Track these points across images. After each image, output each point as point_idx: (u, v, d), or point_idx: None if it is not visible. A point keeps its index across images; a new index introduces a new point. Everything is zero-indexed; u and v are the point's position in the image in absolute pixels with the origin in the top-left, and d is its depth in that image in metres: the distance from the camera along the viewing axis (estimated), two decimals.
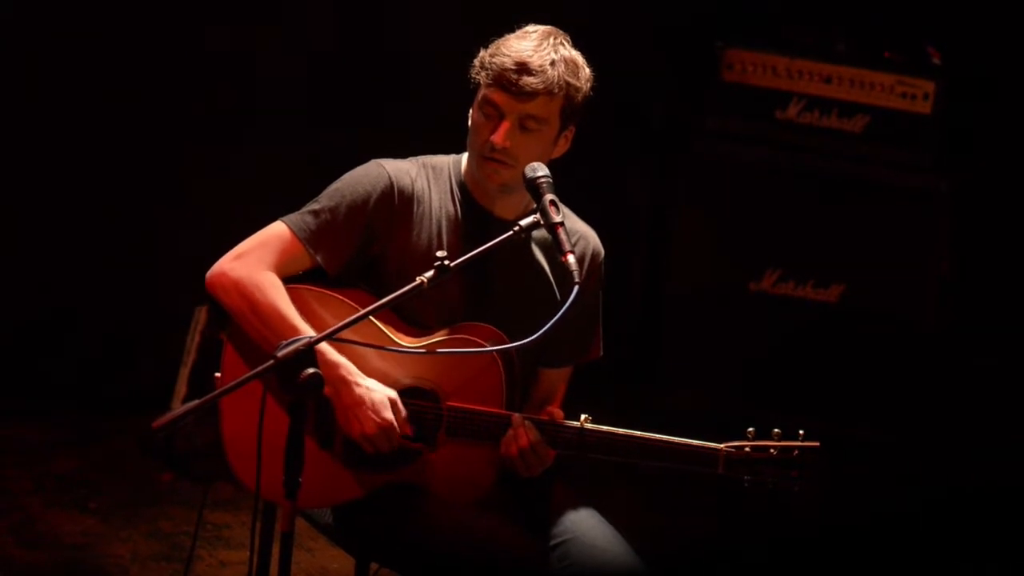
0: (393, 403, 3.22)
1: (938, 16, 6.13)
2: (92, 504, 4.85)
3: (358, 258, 3.32)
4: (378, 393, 3.20)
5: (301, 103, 5.84)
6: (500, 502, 3.33)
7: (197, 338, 3.30)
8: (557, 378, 3.46)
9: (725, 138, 6.01)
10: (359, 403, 3.19)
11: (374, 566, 3.47)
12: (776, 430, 3.27)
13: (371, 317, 3.08)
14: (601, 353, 3.52)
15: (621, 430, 3.26)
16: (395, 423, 3.20)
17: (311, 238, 3.28)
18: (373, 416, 3.19)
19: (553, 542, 3.29)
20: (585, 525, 3.32)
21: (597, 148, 5.42)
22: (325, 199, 3.31)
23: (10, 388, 5.46)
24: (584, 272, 3.36)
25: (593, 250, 3.45)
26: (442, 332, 3.29)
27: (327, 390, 3.16)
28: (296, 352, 2.81)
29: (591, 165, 5.05)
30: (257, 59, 5.74)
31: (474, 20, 3.57)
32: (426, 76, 5.74)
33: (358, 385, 3.19)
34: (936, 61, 6.02)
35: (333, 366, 3.18)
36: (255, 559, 3.09)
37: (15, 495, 4.89)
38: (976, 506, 5.69)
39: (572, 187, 3.37)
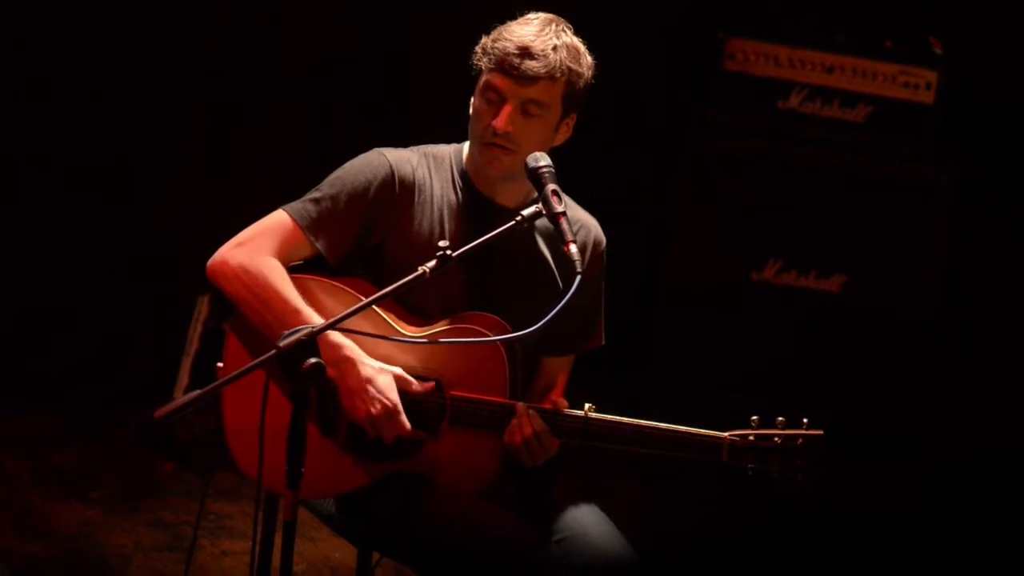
0: (399, 379, 3.21)
1: (940, 5, 6.12)
2: (94, 495, 4.85)
3: (359, 246, 3.31)
4: (384, 374, 3.20)
5: (300, 96, 5.83)
6: (502, 493, 3.33)
7: (199, 328, 3.30)
8: (559, 366, 3.47)
9: (726, 128, 5.99)
10: (364, 385, 3.18)
11: (376, 556, 3.47)
12: (780, 418, 3.27)
13: (374, 306, 3.08)
14: (603, 341, 3.53)
15: (625, 418, 3.26)
16: (399, 406, 3.20)
17: (312, 226, 3.28)
18: (379, 397, 3.18)
19: (554, 538, 3.29)
20: (586, 522, 3.32)
21: (598, 139, 5.42)
22: (326, 187, 3.32)
23: (10, 381, 5.45)
24: (586, 261, 3.35)
25: (595, 239, 3.45)
26: (445, 321, 3.29)
27: (332, 372, 3.16)
28: (298, 342, 2.81)
29: (592, 156, 5.04)
30: (256, 54, 5.73)
31: (473, 13, 3.57)
32: (426, 70, 5.74)
33: (363, 365, 3.19)
34: (938, 51, 6.00)
35: (337, 347, 3.18)
36: (257, 549, 3.09)
37: (16, 487, 4.88)
38: (975, 501, 5.69)
39: (573, 177, 3.37)
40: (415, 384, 3.24)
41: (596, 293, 3.48)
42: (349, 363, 3.19)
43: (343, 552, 4.56)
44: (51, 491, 4.88)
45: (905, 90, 5.95)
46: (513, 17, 3.33)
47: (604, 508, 3.39)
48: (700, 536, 5.18)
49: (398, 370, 3.23)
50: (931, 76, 5.93)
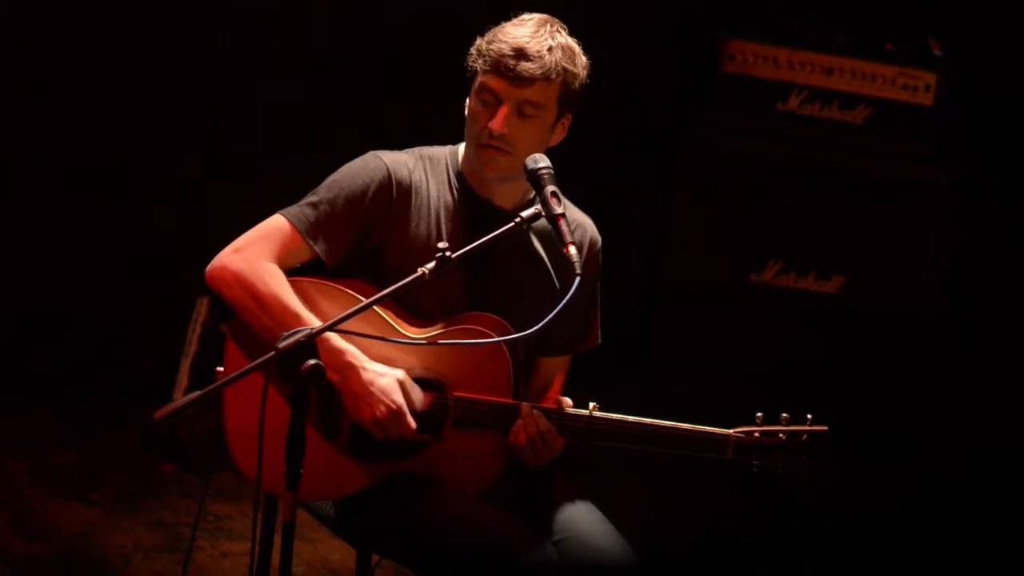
0: (402, 383, 3.21)
1: (940, 6, 6.12)
2: (93, 495, 4.85)
3: (357, 250, 3.31)
4: (386, 377, 3.20)
5: (300, 96, 5.82)
6: (502, 494, 3.33)
7: (198, 329, 3.30)
8: (556, 367, 3.47)
9: (726, 130, 5.99)
10: (368, 388, 3.18)
11: (375, 558, 3.47)
12: (784, 415, 3.28)
13: (376, 307, 3.08)
14: (600, 341, 3.53)
15: (630, 417, 3.26)
16: (405, 407, 3.20)
17: (310, 230, 3.28)
18: (383, 399, 3.18)
19: (553, 540, 3.29)
20: (583, 522, 3.32)
21: (597, 139, 5.42)
22: (324, 191, 3.31)
23: (10, 380, 5.45)
24: (582, 261, 3.35)
25: (591, 239, 3.46)
26: (446, 322, 3.29)
27: (334, 377, 3.16)
28: (297, 343, 2.81)
29: (590, 156, 5.05)
30: (256, 54, 5.73)
31: (473, 13, 3.57)
32: (426, 70, 5.73)
33: (365, 370, 3.19)
34: (937, 53, 6.00)
35: (339, 352, 3.18)
36: (256, 550, 3.08)
37: (16, 487, 4.88)
38: (976, 499, 5.68)
39: (571, 177, 3.37)
40: (417, 391, 3.24)
41: (592, 293, 3.48)
42: (351, 368, 3.18)
43: (342, 554, 4.56)
44: (51, 491, 4.88)
45: (904, 92, 5.95)
46: (511, 18, 3.33)
47: (604, 509, 3.38)
48: (700, 536, 5.18)
49: (401, 373, 3.23)
50: (930, 78, 5.93)
